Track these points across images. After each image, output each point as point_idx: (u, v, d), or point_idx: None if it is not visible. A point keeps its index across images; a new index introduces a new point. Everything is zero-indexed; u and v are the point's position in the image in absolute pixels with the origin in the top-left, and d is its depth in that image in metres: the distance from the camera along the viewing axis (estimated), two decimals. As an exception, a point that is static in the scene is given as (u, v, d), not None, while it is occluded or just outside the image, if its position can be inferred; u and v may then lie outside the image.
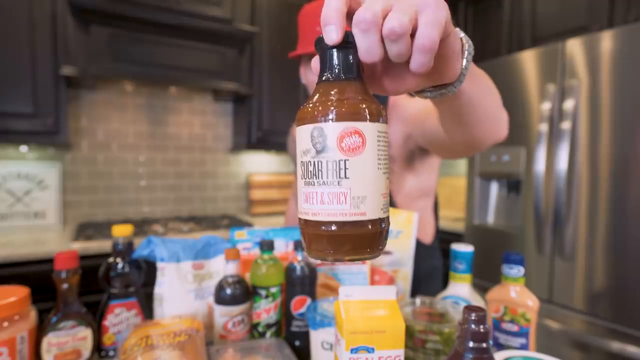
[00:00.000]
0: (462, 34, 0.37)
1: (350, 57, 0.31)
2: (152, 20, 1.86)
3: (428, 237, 0.98)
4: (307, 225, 0.32)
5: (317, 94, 0.31)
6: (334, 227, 0.30)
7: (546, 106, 1.64)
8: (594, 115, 1.51)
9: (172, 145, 2.38)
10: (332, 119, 0.29)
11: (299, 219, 0.33)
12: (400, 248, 0.84)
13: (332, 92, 0.31)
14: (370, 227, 0.30)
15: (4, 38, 1.68)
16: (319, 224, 0.31)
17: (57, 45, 1.78)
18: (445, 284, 1.06)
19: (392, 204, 0.91)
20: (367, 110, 0.30)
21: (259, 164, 2.67)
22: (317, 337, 0.56)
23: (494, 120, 0.55)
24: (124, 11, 1.78)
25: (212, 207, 2.53)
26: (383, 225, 0.31)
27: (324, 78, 0.32)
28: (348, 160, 0.29)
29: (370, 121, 0.30)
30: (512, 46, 2.16)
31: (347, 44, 0.30)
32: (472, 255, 0.69)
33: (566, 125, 1.57)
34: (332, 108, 0.29)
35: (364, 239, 0.30)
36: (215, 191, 2.54)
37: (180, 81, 2.01)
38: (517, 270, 0.64)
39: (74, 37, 1.80)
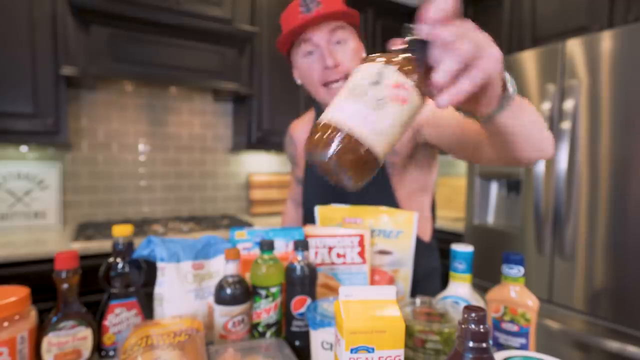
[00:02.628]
0: (508, 77, 0.42)
1: (425, 49, 0.38)
2: (152, 20, 1.86)
3: (427, 236, 0.98)
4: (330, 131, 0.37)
5: (400, 52, 0.39)
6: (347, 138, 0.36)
7: (546, 106, 1.64)
8: (593, 115, 1.51)
9: (172, 145, 2.38)
10: (402, 70, 0.38)
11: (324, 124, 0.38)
12: (401, 248, 0.84)
13: (409, 59, 0.39)
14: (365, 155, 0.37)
15: (4, 38, 1.68)
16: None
17: (57, 45, 1.78)
18: (444, 283, 1.06)
19: (393, 199, 0.91)
20: (420, 84, 0.38)
21: (259, 164, 2.67)
22: (317, 337, 0.56)
23: (534, 143, 0.55)
24: (124, 11, 1.78)
25: (212, 207, 2.53)
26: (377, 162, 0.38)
27: (412, 40, 0.39)
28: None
29: (417, 95, 0.38)
30: (512, 46, 2.16)
31: (422, 43, 0.38)
32: (472, 255, 0.69)
33: (566, 125, 1.57)
34: (406, 65, 0.38)
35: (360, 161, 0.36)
36: (215, 191, 2.54)
37: (180, 81, 2.01)
38: (517, 270, 0.64)
39: (74, 37, 1.80)
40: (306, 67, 0.86)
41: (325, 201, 0.94)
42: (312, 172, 1.02)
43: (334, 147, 0.35)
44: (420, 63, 0.38)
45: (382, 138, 0.36)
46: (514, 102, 0.46)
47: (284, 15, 0.86)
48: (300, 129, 1.08)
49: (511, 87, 0.43)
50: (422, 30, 0.36)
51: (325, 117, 0.38)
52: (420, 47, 0.37)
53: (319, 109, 1.02)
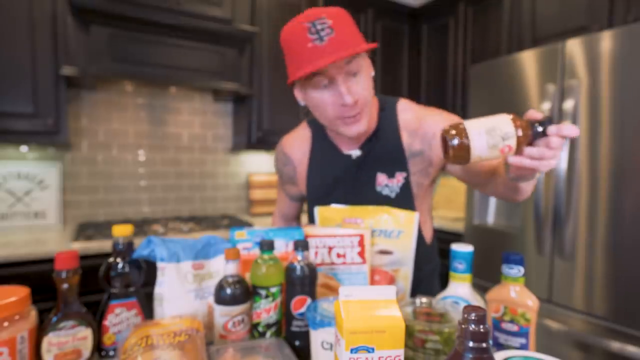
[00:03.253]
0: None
1: (540, 132, 0.60)
2: (152, 20, 1.86)
3: (429, 237, 0.98)
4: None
5: (521, 126, 0.59)
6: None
7: (546, 106, 1.64)
8: (593, 115, 1.52)
9: (172, 145, 2.38)
10: (520, 141, 0.60)
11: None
12: (401, 248, 0.84)
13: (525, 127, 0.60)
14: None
15: (4, 38, 1.68)
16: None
17: (57, 45, 1.78)
18: (442, 283, 1.06)
19: (412, 204, 0.91)
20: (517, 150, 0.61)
21: (259, 164, 2.67)
22: (317, 337, 0.56)
23: (527, 194, 0.80)
24: (124, 11, 1.78)
25: (212, 207, 2.53)
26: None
27: (539, 129, 0.59)
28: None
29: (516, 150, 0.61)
30: (512, 46, 2.16)
31: (544, 133, 0.59)
32: (471, 255, 0.69)
33: (566, 125, 1.57)
34: (525, 140, 0.60)
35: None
36: (215, 191, 2.54)
37: (180, 81, 2.01)
38: (517, 270, 0.64)
39: (74, 37, 1.80)
40: (319, 100, 0.78)
41: None
42: (324, 197, 0.96)
43: (459, 140, 0.59)
44: (531, 141, 0.60)
45: (477, 157, 0.60)
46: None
47: (288, 37, 0.76)
48: (297, 148, 1.00)
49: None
50: (554, 136, 0.58)
51: (468, 126, 0.59)
52: (541, 135, 0.59)
53: (316, 126, 0.98)
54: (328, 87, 0.76)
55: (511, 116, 0.60)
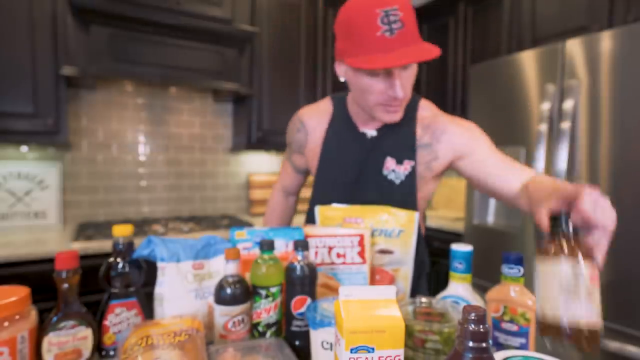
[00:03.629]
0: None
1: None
2: (152, 20, 1.86)
3: (423, 233, 0.99)
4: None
5: (570, 252, 0.51)
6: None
7: (546, 106, 1.64)
8: (593, 115, 1.52)
9: (172, 145, 2.38)
10: (587, 260, 0.51)
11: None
12: (402, 247, 0.84)
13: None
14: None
15: (4, 38, 1.68)
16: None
17: (57, 45, 1.78)
18: (431, 280, 1.06)
19: (414, 206, 0.92)
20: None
21: (259, 164, 2.67)
22: (317, 337, 0.56)
23: None
24: (124, 11, 1.78)
25: (212, 207, 2.53)
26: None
27: (571, 230, 0.52)
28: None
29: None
30: (512, 46, 2.16)
31: (575, 230, 0.53)
32: (471, 255, 0.69)
33: (566, 125, 1.57)
34: (587, 254, 0.51)
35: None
36: (215, 191, 2.54)
37: (180, 81, 2.01)
38: (517, 270, 0.64)
39: (74, 37, 1.80)
40: (369, 85, 0.80)
41: (345, 201, 0.94)
42: (331, 170, 0.97)
43: (575, 339, 0.50)
44: (580, 245, 0.51)
45: (599, 314, 0.49)
46: None
47: (355, 19, 0.75)
48: (314, 119, 1.01)
49: None
50: (586, 220, 0.52)
51: (550, 310, 0.51)
52: (575, 231, 0.52)
53: (339, 102, 0.99)
54: (382, 76, 0.79)
55: (557, 258, 0.52)
